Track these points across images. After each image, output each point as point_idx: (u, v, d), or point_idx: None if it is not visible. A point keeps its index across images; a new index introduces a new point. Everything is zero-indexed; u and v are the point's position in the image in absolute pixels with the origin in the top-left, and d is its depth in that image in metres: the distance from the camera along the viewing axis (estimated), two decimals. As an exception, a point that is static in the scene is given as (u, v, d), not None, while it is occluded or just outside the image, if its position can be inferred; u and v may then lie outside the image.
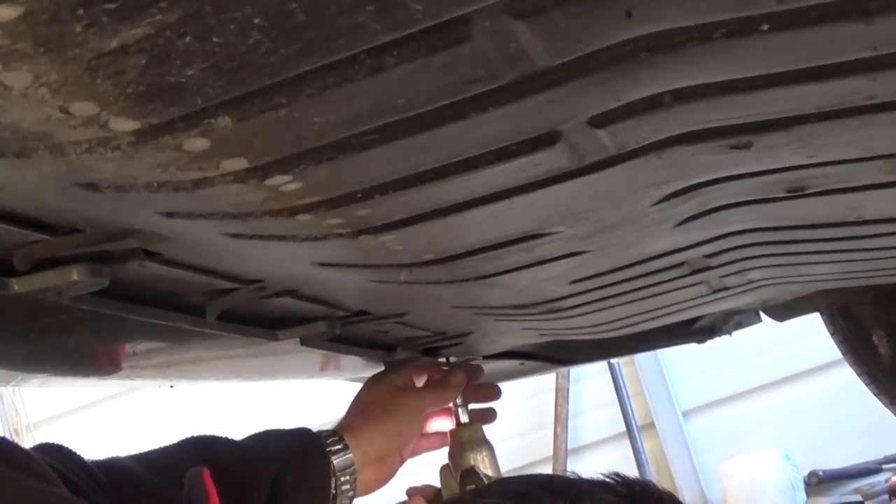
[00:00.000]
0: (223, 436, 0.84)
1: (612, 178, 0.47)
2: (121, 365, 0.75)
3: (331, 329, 0.78)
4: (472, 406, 1.09)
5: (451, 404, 1.06)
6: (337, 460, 0.88)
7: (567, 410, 3.39)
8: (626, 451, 3.31)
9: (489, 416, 1.11)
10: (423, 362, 1.05)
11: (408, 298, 0.74)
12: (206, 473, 0.59)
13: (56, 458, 0.64)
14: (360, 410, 0.98)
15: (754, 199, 0.58)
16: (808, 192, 0.55)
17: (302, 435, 0.89)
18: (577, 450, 3.41)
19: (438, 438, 1.07)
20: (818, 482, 3.03)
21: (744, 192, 0.56)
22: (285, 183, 0.39)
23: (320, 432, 0.91)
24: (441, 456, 1.07)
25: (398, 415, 0.97)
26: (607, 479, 0.63)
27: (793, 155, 0.48)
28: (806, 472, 3.06)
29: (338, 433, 0.91)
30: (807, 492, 3.01)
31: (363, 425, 0.94)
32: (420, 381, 1.03)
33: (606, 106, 0.39)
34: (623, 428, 3.37)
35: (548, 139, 0.41)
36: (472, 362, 1.14)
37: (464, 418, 1.06)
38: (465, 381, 1.05)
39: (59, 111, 0.30)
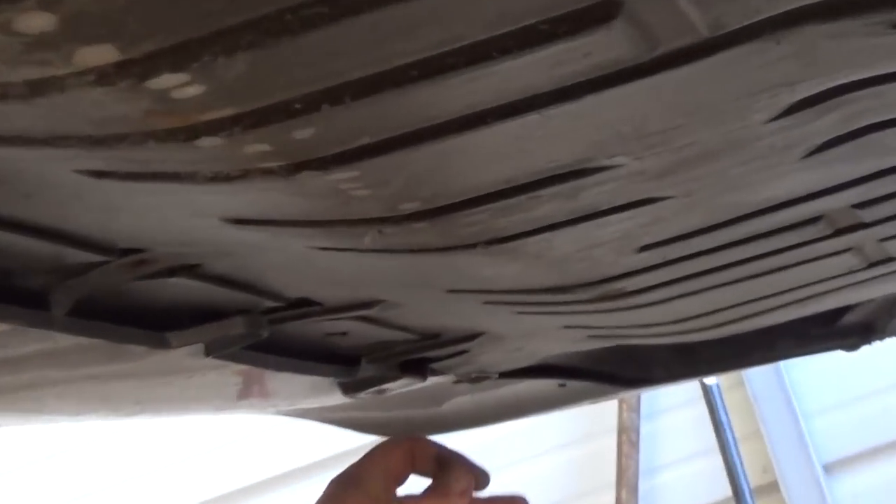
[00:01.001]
0: None
1: (702, 78, 0.48)
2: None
3: (253, 329, 0.78)
4: None
5: None
6: None
7: (637, 463, 3.42)
8: (733, 529, 3.34)
9: None
10: (403, 451, 1.08)
11: (378, 278, 0.75)
12: None
13: None
14: None
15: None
16: None
17: None
18: (654, 527, 3.45)
19: None
20: None
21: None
22: (179, 86, 0.40)
23: None
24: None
25: None
26: None
27: None
28: None
29: None
30: None
31: None
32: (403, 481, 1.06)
33: (693, -42, 0.39)
34: (728, 492, 3.39)
35: (600, 13, 0.41)
36: (482, 379, 1.16)
37: None
38: (471, 488, 1.10)
39: None
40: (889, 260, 0.92)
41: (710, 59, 0.46)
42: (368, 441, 1.38)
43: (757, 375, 3.34)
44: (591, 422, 3.37)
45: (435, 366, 1.07)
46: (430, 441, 1.19)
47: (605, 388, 1.41)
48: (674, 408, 3.46)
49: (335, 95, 0.43)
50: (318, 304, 0.82)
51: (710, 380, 3.29)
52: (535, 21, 0.41)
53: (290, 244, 0.64)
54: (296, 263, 0.70)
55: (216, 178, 0.50)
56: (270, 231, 0.60)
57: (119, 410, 1.11)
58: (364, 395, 1.10)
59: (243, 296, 0.76)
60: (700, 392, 3.38)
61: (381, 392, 1.10)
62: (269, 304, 0.80)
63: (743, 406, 3.43)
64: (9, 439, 3.78)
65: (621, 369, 1.37)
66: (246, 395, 1.08)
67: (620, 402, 3.38)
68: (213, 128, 0.44)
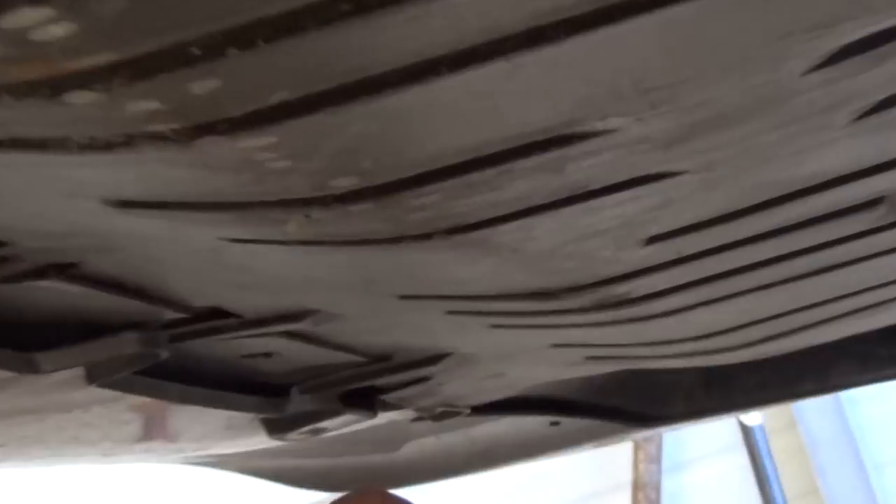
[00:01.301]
0: None
1: (719, 16, 0.48)
2: None
3: (149, 348, 0.78)
4: None
5: None
6: None
7: (656, 529, 3.43)
8: None
9: None
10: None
11: (308, 280, 0.75)
12: None
13: None
14: None
15: None
16: None
17: None
18: None
19: None
20: None
21: None
22: (42, 24, 0.40)
23: None
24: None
25: None
26: None
27: None
28: None
29: None
30: None
31: None
32: None
33: None
34: (773, 564, 3.41)
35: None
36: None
37: None
38: None
39: None
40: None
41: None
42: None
43: (812, 414, 3.36)
44: (598, 475, 3.39)
45: (387, 397, 1.07)
46: (401, 499, 1.20)
47: (611, 428, 1.41)
48: (705, 457, 3.48)
49: (244, 37, 0.43)
50: (234, 315, 0.82)
51: (751, 418, 3.31)
52: None
53: (194, 235, 0.64)
54: (203, 262, 0.70)
55: (93, 147, 0.50)
56: (166, 217, 0.60)
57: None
58: (296, 437, 1.10)
59: (136, 304, 0.76)
60: (739, 436, 3.39)
61: (318, 432, 1.10)
62: (171, 315, 0.80)
63: (795, 454, 3.45)
64: None
65: (631, 402, 1.38)
66: (144, 436, 1.08)
67: (636, 450, 3.39)
68: (86, 79, 0.44)
